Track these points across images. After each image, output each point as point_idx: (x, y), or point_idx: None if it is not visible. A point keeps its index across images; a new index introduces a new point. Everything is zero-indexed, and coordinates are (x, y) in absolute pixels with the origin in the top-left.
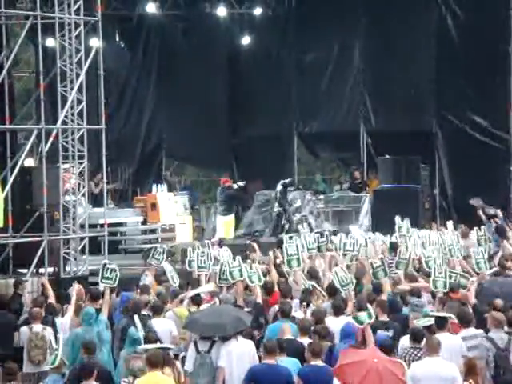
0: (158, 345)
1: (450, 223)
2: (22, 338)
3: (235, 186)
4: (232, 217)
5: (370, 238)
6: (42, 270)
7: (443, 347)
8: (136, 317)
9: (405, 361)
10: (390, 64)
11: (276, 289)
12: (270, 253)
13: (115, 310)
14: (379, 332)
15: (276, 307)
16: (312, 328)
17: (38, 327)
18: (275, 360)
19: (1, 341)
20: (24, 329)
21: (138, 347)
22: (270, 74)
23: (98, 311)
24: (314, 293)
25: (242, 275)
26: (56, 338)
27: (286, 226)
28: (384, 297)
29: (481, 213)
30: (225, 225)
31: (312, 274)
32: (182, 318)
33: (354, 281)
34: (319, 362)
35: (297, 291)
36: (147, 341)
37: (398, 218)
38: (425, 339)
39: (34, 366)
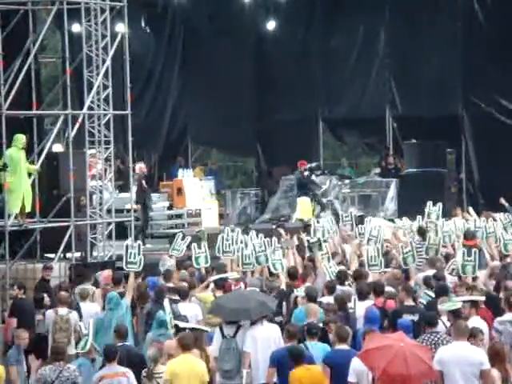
0: (195, 325)
1: (471, 209)
2: (48, 321)
3: (307, 170)
4: (306, 198)
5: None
6: (69, 255)
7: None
8: (166, 300)
9: (439, 344)
10: (416, 48)
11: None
12: (294, 237)
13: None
14: (404, 316)
15: (296, 292)
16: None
17: (63, 311)
18: (298, 343)
19: (24, 326)
20: (49, 312)
21: (169, 330)
22: (296, 59)
23: (122, 295)
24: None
25: (267, 261)
26: (81, 322)
27: (318, 209)
28: (411, 282)
29: (503, 200)
30: (301, 205)
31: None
32: (206, 302)
33: (384, 263)
34: (345, 346)
35: (319, 276)
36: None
37: (429, 204)
38: (452, 323)
39: (50, 348)
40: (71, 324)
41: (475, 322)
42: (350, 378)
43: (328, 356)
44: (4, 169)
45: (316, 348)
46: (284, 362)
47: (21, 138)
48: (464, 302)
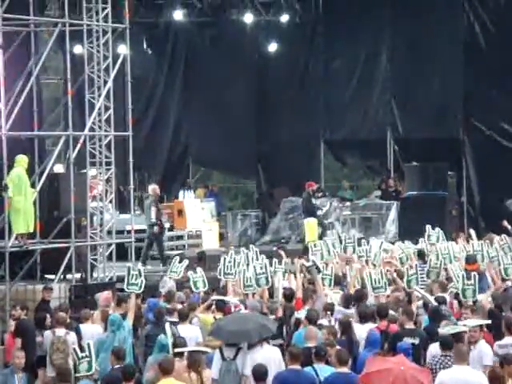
0: (195, 347)
1: (472, 232)
2: (46, 342)
3: (315, 189)
4: (312, 219)
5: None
6: (69, 276)
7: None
8: (167, 324)
9: (435, 368)
10: (417, 71)
11: (299, 295)
12: (295, 260)
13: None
14: (405, 339)
15: (296, 315)
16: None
17: (61, 331)
18: (299, 366)
19: (27, 347)
20: (47, 333)
21: (176, 350)
22: (297, 80)
23: (124, 316)
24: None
25: (267, 283)
26: (80, 343)
27: (319, 231)
28: (413, 305)
29: (506, 223)
30: (308, 227)
31: (336, 281)
32: (207, 324)
33: (387, 287)
34: (345, 370)
35: (318, 298)
36: (176, 347)
37: (429, 227)
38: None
39: (55, 369)
40: (68, 345)
41: (483, 345)
42: None
43: (328, 379)
44: (5, 189)
45: (324, 371)
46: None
47: (24, 159)
48: (474, 326)
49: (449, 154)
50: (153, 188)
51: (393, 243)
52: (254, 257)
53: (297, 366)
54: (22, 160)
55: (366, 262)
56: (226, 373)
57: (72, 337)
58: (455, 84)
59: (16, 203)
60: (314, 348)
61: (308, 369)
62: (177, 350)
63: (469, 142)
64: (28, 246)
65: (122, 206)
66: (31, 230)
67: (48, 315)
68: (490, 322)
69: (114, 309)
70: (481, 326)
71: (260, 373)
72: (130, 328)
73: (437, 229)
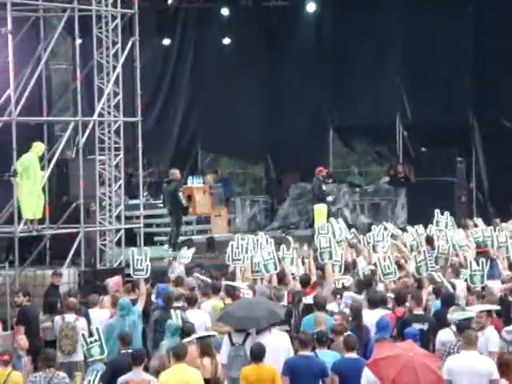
0: (204, 333)
1: (478, 220)
2: (55, 327)
3: (325, 175)
4: (323, 205)
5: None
6: (78, 262)
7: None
8: (172, 310)
9: (453, 352)
10: (427, 57)
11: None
12: (305, 246)
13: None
14: (414, 325)
15: (304, 300)
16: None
17: (70, 317)
18: (310, 352)
19: (31, 333)
20: (57, 318)
21: (184, 340)
22: (307, 66)
23: (134, 302)
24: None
25: (276, 268)
26: (89, 328)
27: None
28: (424, 292)
29: None
30: (317, 213)
31: (345, 267)
32: (217, 310)
33: (397, 272)
34: (354, 355)
35: (327, 284)
36: (184, 332)
37: (437, 212)
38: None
39: (64, 355)
40: (77, 332)
41: (490, 331)
42: None
43: (337, 364)
44: (15, 175)
45: (326, 355)
46: (296, 370)
47: (40, 147)
48: (481, 311)
49: (458, 139)
50: (175, 172)
51: (402, 229)
52: (262, 242)
53: (307, 352)
54: (37, 147)
55: (374, 248)
56: (235, 358)
57: (82, 323)
58: (465, 69)
59: (25, 188)
60: (315, 334)
61: (320, 359)
62: (185, 340)
63: (478, 128)
64: (38, 231)
65: (131, 191)
66: (39, 216)
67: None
68: (498, 307)
69: (124, 294)
70: (489, 311)
71: (257, 352)
72: (140, 313)
73: (446, 214)
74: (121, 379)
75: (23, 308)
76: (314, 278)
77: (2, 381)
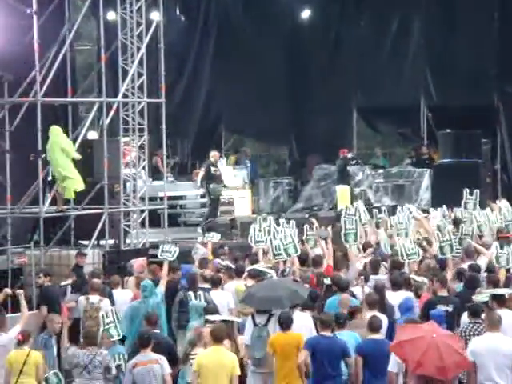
0: (225, 317)
1: (501, 203)
2: (79, 307)
3: (349, 156)
4: (346, 187)
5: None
6: (102, 242)
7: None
8: (196, 291)
9: (464, 335)
10: (451, 37)
11: (330, 262)
12: (329, 228)
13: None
14: (438, 307)
15: (325, 281)
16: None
17: (94, 298)
18: (331, 332)
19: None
20: (81, 298)
21: (207, 317)
22: (330, 47)
23: (156, 283)
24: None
25: (296, 251)
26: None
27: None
28: (449, 272)
29: None
30: (340, 194)
31: (366, 249)
32: (239, 292)
33: (421, 253)
34: (378, 336)
35: (351, 266)
36: (207, 313)
37: (466, 192)
38: (485, 314)
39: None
40: (101, 311)
41: (506, 314)
42: (391, 368)
43: (361, 345)
44: (39, 155)
45: (343, 335)
46: (318, 349)
47: (52, 129)
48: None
49: (483, 121)
50: (213, 154)
51: (425, 211)
52: (282, 225)
53: (328, 333)
54: (53, 130)
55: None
56: (258, 338)
57: (105, 304)
58: (490, 50)
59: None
60: (333, 315)
61: (342, 339)
62: (208, 317)
63: (503, 109)
64: (65, 211)
65: (155, 172)
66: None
67: (80, 280)
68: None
69: (147, 276)
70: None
71: (285, 320)
72: (163, 294)
73: (475, 194)
74: (130, 363)
75: (44, 288)
76: (329, 261)
77: (22, 360)
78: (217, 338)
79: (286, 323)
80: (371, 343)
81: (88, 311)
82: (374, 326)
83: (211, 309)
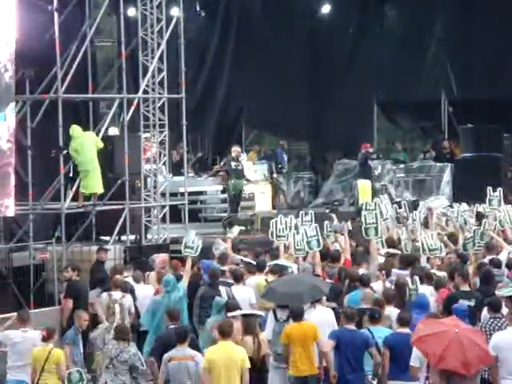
0: (251, 311)
1: None
2: (103, 304)
3: (371, 151)
4: (368, 181)
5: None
6: (123, 238)
7: None
8: (222, 287)
9: (485, 330)
10: (473, 30)
11: (347, 256)
12: (349, 222)
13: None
14: (460, 302)
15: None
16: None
17: (117, 294)
18: (353, 326)
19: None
20: (104, 295)
21: (228, 314)
22: (350, 42)
23: (179, 279)
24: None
25: (319, 245)
26: (135, 304)
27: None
28: (470, 267)
29: None
30: (361, 188)
31: (390, 244)
32: (260, 287)
33: (443, 249)
34: (406, 330)
35: (372, 261)
36: (228, 308)
37: (489, 189)
38: (507, 309)
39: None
40: (124, 308)
41: None
42: (413, 363)
43: (388, 338)
44: (61, 151)
45: (380, 332)
46: (342, 341)
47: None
48: None
49: (504, 115)
50: (235, 149)
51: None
52: (306, 220)
53: (351, 326)
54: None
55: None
56: (279, 334)
57: (128, 300)
58: (510, 44)
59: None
60: (368, 310)
61: (363, 330)
62: (230, 313)
63: None
64: (88, 208)
65: (176, 168)
66: (100, 191)
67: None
68: None
69: (169, 271)
70: None
71: (297, 312)
72: (185, 290)
73: (498, 191)
74: (166, 355)
75: (72, 282)
76: (347, 255)
77: (44, 358)
78: (224, 333)
79: (297, 314)
80: (399, 337)
81: (111, 308)
82: (403, 321)
83: (232, 305)
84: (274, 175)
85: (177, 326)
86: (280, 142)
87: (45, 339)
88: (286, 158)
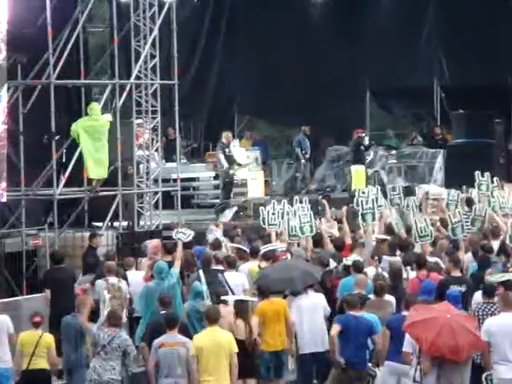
0: (241, 297)
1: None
2: (98, 289)
3: (365, 138)
4: (361, 167)
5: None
6: (116, 224)
7: None
8: (200, 271)
9: (478, 315)
10: (465, 17)
11: (348, 241)
12: (344, 208)
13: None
14: (452, 287)
15: (344, 261)
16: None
17: (113, 279)
18: (358, 312)
19: (62, 294)
20: (100, 281)
21: (205, 300)
22: (344, 28)
23: (171, 265)
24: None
25: (312, 231)
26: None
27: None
28: (461, 253)
29: None
30: (355, 174)
31: (388, 229)
32: (253, 273)
33: (433, 234)
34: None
35: (367, 246)
36: (219, 296)
37: (478, 174)
38: (499, 294)
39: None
40: (123, 291)
41: None
42: (406, 348)
43: (391, 320)
44: (53, 137)
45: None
46: (348, 327)
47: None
48: None
49: (496, 101)
50: (226, 135)
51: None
52: (299, 206)
53: (355, 312)
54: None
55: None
56: None
57: (124, 284)
58: (504, 30)
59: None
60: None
61: (370, 318)
62: (223, 297)
63: None
64: (93, 192)
65: (168, 154)
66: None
67: (94, 261)
68: None
69: (161, 256)
70: None
71: (264, 288)
72: (178, 276)
73: (486, 176)
74: (156, 341)
75: (48, 271)
76: (348, 240)
77: (34, 342)
78: (211, 319)
79: (264, 290)
80: (398, 318)
81: (111, 291)
82: (408, 303)
83: (222, 292)
84: (302, 160)
85: (167, 311)
86: (302, 128)
87: (36, 324)
88: (308, 143)
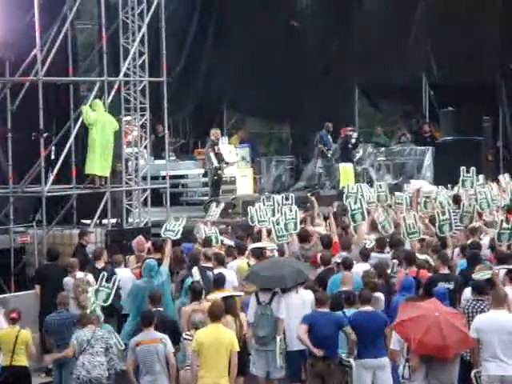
0: (229, 292)
1: (506, 176)
2: (67, 287)
3: (354, 136)
4: (349, 165)
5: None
6: (105, 222)
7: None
8: (195, 268)
9: (467, 312)
10: (454, 16)
11: (335, 239)
12: (335, 204)
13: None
14: (440, 284)
15: (333, 259)
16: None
17: (80, 274)
18: (327, 309)
19: (53, 290)
20: (67, 279)
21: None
22: (332, 24)
23: (160, 262)
24: None
25: (295, 228)
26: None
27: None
28: (449, 250)
29: None
30: (343, 171)
31: (372, 227)
32: (242, 270)
33: (422, 232)
34: (368, 308)
35: (356, 245)
36: (207, 291)
37: (463, 170)
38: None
39: (82, 310)
40: (91, 284)
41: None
42: (393, 346)
43: (353, 318)
44: (41, 134)
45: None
46: (314, 324)
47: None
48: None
49: (485, 98)
50: (214, 132)
51: None
52: (282, 201)
53: (325, 309)
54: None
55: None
56: (261, 316)
57: (91, 278)
58: (492, 28)
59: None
60: (343, 293)
61: (339, 313)
62: (211, 295)
63: (505, 87)
64: (97, 188)
65: (157, 151)
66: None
67: (83, 259)
68: None
69: (151, 254)
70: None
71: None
72: (168, 273)
73: (471, 172)
74: (132, 341)
75: (41, 267)
76: (335, 238)
77: (13, 339)
78: (214, 316)
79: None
80: (361, 314)
81: (79, 286)
82: (364, 299)
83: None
84: (328, 155)
85: (159, 309)
86: (326, 124)
87: (14, 321)
88: (331, 140)
